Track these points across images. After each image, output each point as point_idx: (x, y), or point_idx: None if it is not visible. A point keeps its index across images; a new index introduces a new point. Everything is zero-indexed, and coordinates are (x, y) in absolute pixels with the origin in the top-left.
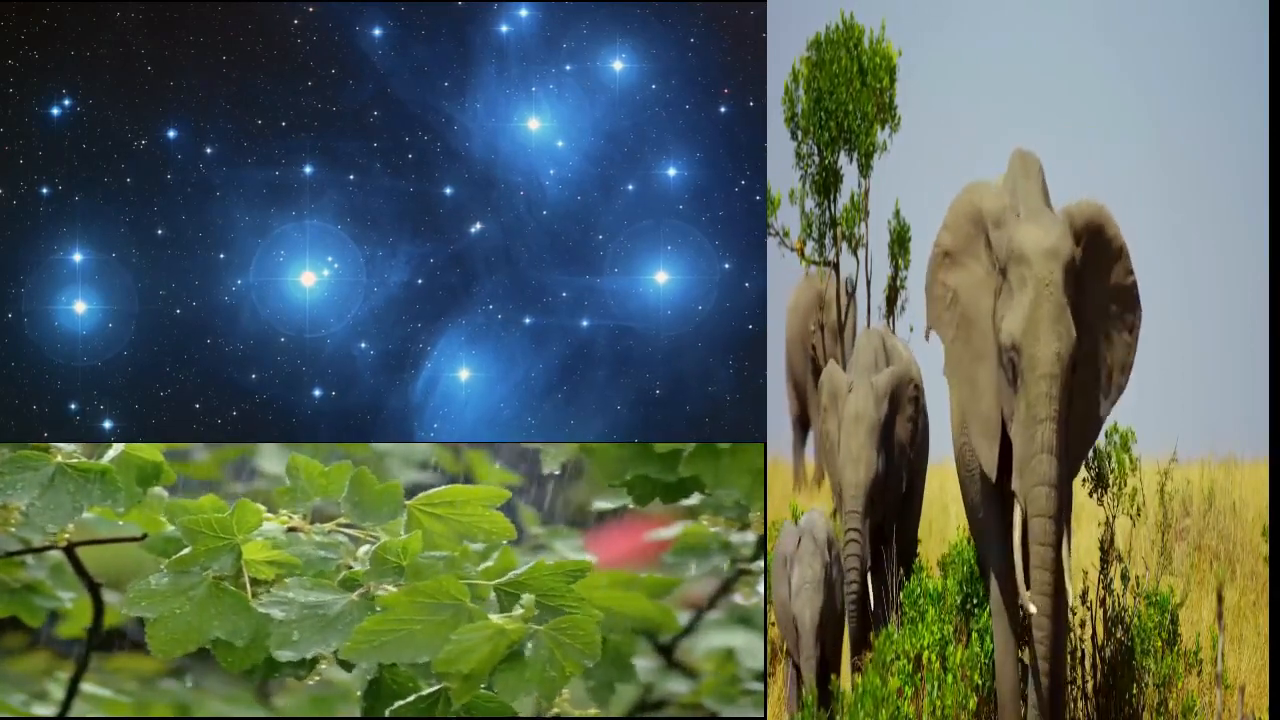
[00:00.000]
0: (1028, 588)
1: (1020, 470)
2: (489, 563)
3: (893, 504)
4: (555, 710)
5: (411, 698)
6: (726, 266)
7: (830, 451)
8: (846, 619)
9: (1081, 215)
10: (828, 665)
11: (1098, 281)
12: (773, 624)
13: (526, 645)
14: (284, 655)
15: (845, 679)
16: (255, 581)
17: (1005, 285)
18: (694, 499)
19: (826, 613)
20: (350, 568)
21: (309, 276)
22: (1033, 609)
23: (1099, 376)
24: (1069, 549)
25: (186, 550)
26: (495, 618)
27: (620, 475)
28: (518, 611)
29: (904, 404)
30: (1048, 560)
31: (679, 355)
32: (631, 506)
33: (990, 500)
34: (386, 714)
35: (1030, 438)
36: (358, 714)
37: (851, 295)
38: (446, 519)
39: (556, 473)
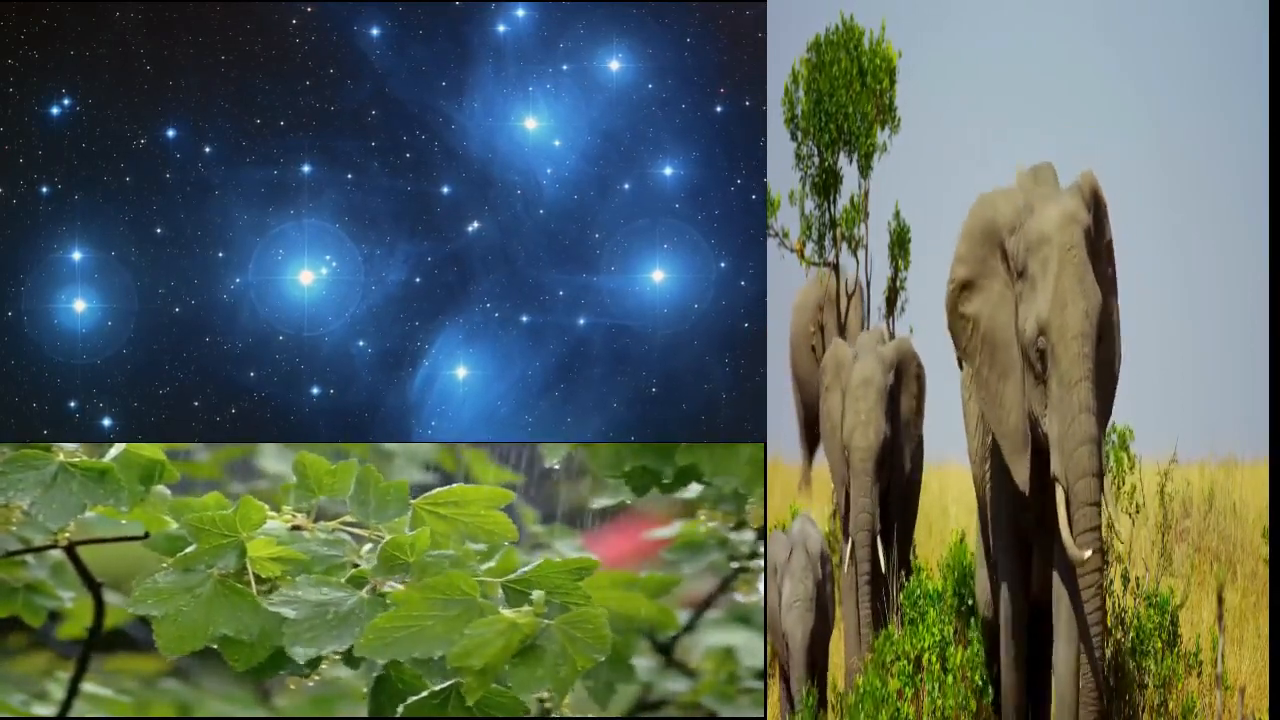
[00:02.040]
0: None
1: (1059, 443)
2: (492, 563)
3: (899, 484)
4: (556, 712)
5: (424, 693)
6: (723, 265)
7: (831, 429)
8: (858, 596)
9: (1087, 184)
10: (822, 678)
11: (1099, 243)
12: None
13: (539, 639)
14: (299, 652)
15: (841, 679)
16: (259, 580)
17: (1027, 285)
18: (692, 490)
19: (818, 632)
20: (355, 566)
21: (307, 275)
22: (1086, 554)
23: (1109, 349)
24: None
25: (191, 548)
26: (507, 612)
27: (619, 467)
28: (528, 607)
29: (909, 379)
30: (1094, 517)
31: (675, 353)
32: (629, 502)
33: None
34: (400, 711)
35: (1068, 405)
36: (360, 713)
37: (851, 296)
38: (450, 519)
39: (557, 466)
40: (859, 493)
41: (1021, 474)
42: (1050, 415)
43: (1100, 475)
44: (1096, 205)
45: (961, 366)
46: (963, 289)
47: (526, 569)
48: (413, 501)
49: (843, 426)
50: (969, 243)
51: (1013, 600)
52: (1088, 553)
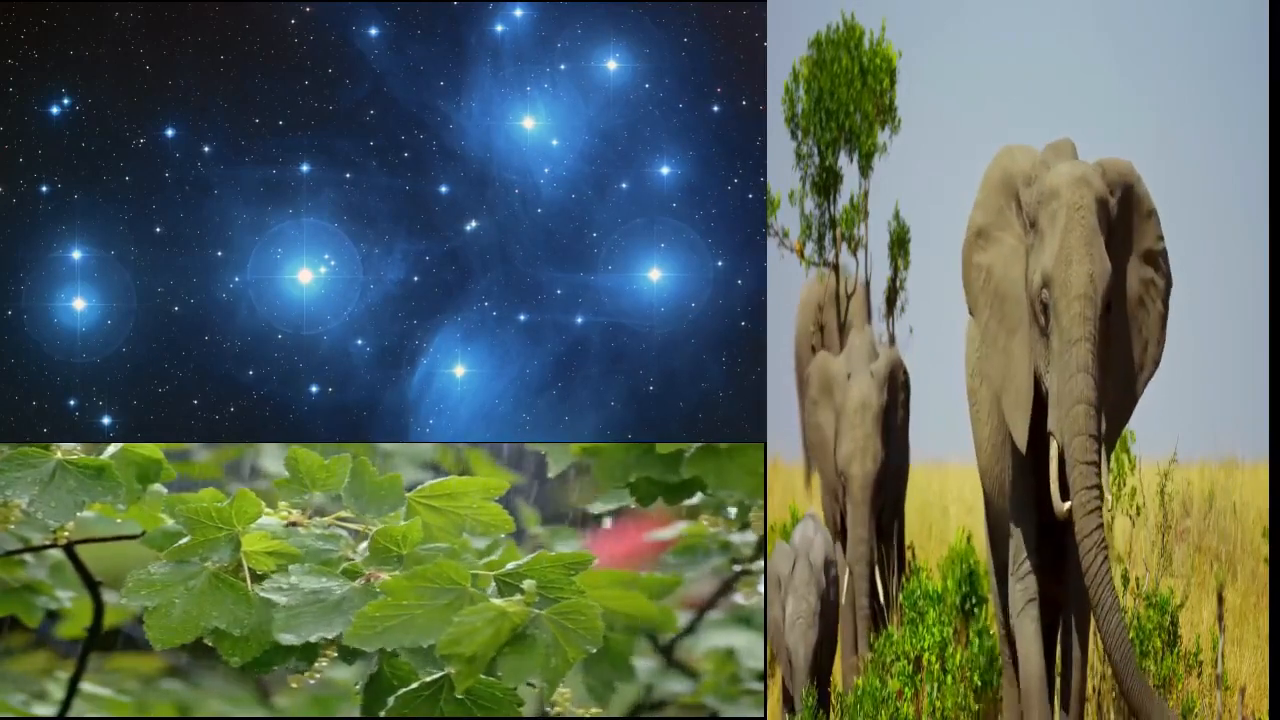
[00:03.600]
0: (1064, 499)
1: (1057, 398)
2: (491, 558)
3: (891, 496)
4: (556, 709)
5: (414, 685)
6: (719, 264)
7: (822, 443)
8: (859, 617)
9: (1114, 168)
10: (824, 679)
11: (1130, 241)
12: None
13: (530, 628)
14: (286, 638)
15: (841, 680)
16: (254, 575)
17: (1037, 237)
18: (696, 498)
19: (820, 646)
20: (350, 560)
21: (306, 274)
22: (1066, 506)
23: (1133, 348)
24: (1108, 477)
25: (186, 540)
26: (497, 601)
27: (624, 477)
28: (518, 596)
29: (898, 388)
30: (1090, 476)
31: (672, 352)
32: (633, 506)
33: (1023, 483)
34: (390, 703)
35: (1065, 363)
36: (358, 713)
37: (851, 296)
38: (445, 511)
39: (566, 468)
40: (857, 522)
41: (1021, 430)
42: (1050, 371)
43: (1096, 438)
44: (1127, 197)
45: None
46: (978, 236)
47: (520, 562)
48: (407, 495)
49: (837, 448)
50: (987, 190)
51: (1030, 574)
52: (1067, 505)
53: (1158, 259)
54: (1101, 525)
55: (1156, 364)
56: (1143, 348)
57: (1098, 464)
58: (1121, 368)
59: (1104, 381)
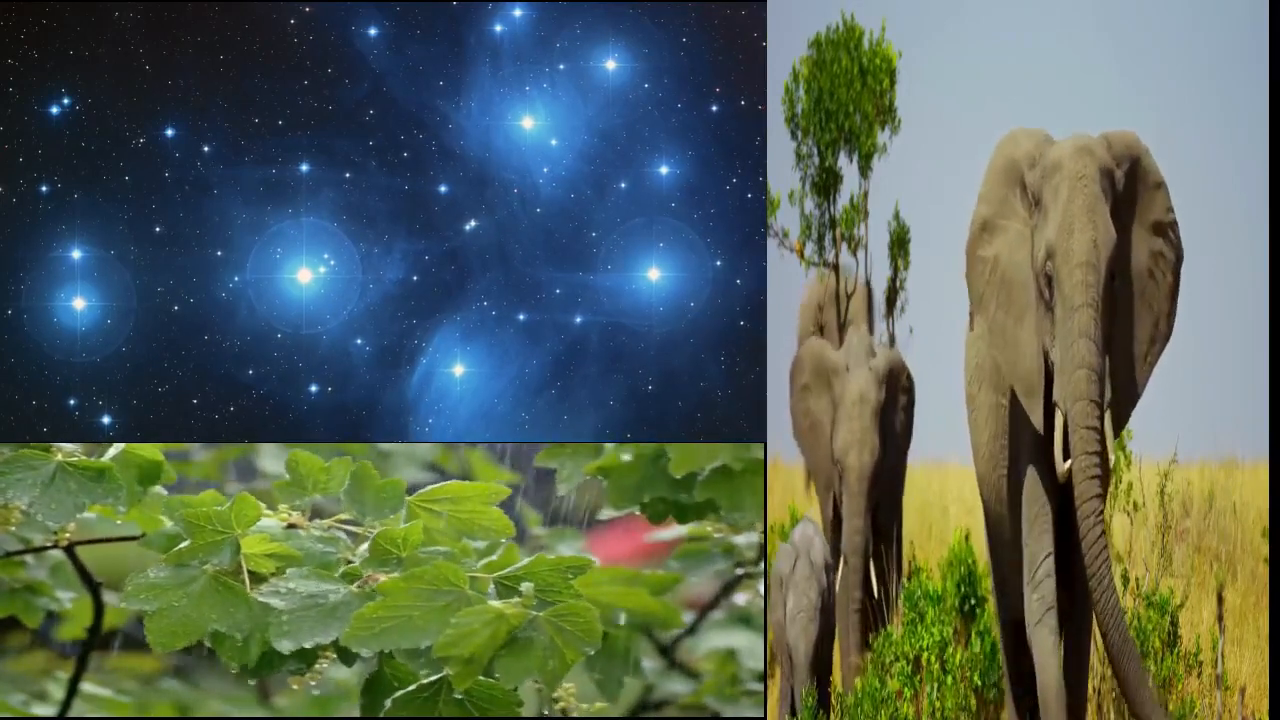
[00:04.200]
0: (1065, 458)
1: (1060, 367)
2: (492, 558)
3: (887, 495)
4: (560, 704)
5: (412, 686)
6: (718, 264)
7: (813, 430)
8: (850, 610)
9: (1120, 141)
10: (826, 686)
11: (1137, 214)
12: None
13: (527, 630)
14: (284, 645)
15: (840, 680)
16: (254, 577)
17: (1041, 216)
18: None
19: (821, 642)
20: (350, 563)
21: (305, 273)
22: (1066, 464)
23: (1143, 321)
24: (1110, 448)
25: (185, 543)
26: (495, 603)
27: (636, 498)
28: (517, 598)
29: (899, 392)
30: (1092, 442)
31: (671, 351)
32: (638, 512)
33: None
34: (388, 705)
35: (1068, 330)
36: (358, 713)
37: (851, 296)
38: (446, 515)
39: (572, 493)
40: (853, 513)
41: (1037, 413)
42: (1055, 342)
43: (1098, 403)
44: (1133, 169)
45: (972, 326)
46: (983, 229)
47: (519, 565)
48: (408, 498)
49: (833, 438)
50: (990, 182)
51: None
52: (1067, 463)
53: (1167, 230)
54: (1101, 495)
55: (1167, 338)
56: (1152, 321)
57: (1099, 430)
58: (1130, 341)
59: (1111, 353)
